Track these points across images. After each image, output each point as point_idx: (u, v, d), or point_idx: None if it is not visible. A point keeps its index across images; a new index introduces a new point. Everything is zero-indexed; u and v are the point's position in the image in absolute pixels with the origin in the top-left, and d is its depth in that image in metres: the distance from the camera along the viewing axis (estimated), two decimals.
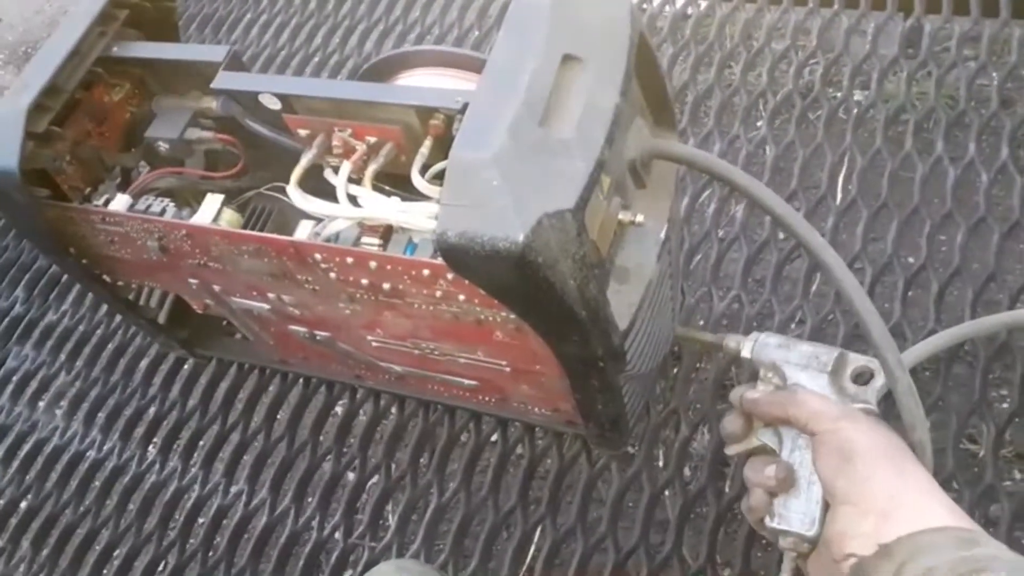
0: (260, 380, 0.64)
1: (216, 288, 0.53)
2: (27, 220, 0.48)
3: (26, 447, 0.66)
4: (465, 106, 0.40)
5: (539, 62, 0.37)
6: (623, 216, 0.41)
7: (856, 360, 0.44)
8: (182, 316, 0.61)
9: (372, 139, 0.43)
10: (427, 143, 0.43)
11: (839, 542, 0.38)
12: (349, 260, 0.43)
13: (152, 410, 0.65)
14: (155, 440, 0.64)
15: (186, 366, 0.67)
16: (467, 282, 0.39)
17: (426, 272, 0.41)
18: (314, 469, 0.60)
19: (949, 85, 0.67)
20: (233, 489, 0.60)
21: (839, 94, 0.69)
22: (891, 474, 0.38)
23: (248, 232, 0.45)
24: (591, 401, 0.46)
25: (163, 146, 0.49)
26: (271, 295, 0.51)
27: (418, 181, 0.41)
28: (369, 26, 0.81)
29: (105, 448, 0.64)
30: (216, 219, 0.47)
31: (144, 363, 0.67)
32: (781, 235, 0.62)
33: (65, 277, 0.74)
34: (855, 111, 0.67)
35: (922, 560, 0.34)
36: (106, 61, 0.48)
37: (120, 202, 0.48)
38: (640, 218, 0.41)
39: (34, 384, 0.69)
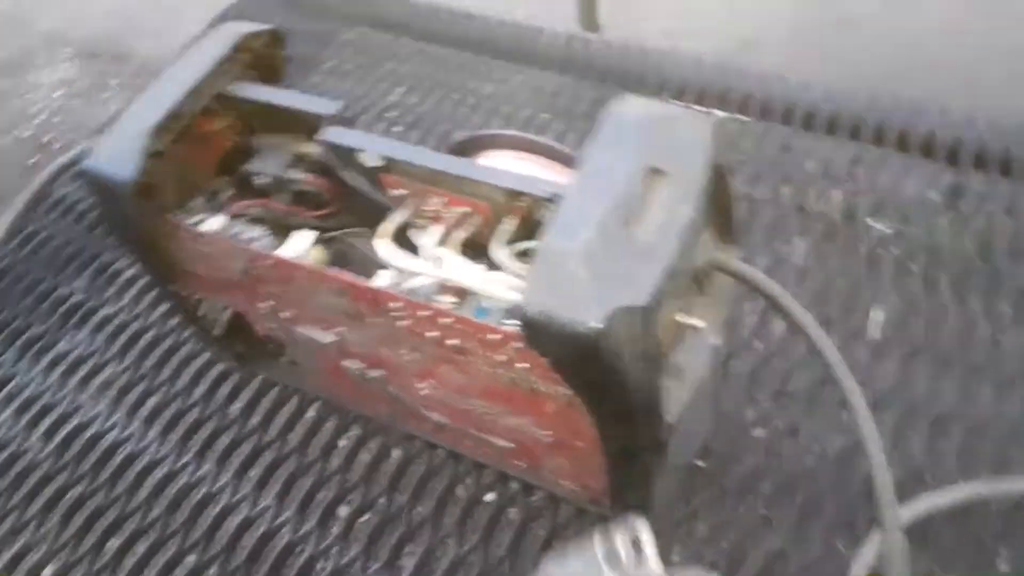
0: (300, 404, 0.68)
1: (285, 315, 0.56)
2: (128, 227, 0.52)
3: (68, 427, 0.69)
4: (554, 196, 0.44)
5: (628, 171, 0.42)
6: (683, 319, 0.45)
7: (616, 528, 0.39)
8: (237, 332, 0.65)
9: (462, 209, 0.47)
10: (510, 220, 0.47)
11: None
12: (425, 313, 0.47)
13: (194, 413, 0.68)
14: (192, 441, 0.67)
15: (231, 378, 0.70)
16: (534, 353, 0.42)
17: (497, 337, 0.44)
18: (340, 499, 0.63)
19: (987, 242, 0.71)
20: (260, 503, 0.63)
21: (883, 231, 0.73)
22: None
23: (333, 272, 0.48)
24: (623, 485, 0.49)
25: (262, 179, 0.53)
26: (337, 330, 0.54)
27: (500, 254, 0.45)
28: (460, 99, 0.87)
29: (143, 441, 0.67)
30: (304, 255, 0.51)
31: (192, 367, 0.71)
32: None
33: (125, 275, 0.78)
34: (896, 251, 0.71)
35: None
36: (222, 96, 0.52)
37: (214, 223, 0.52)
38: (698, 323, 0.45)
39: (83, 370, 0.72)
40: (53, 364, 0.73)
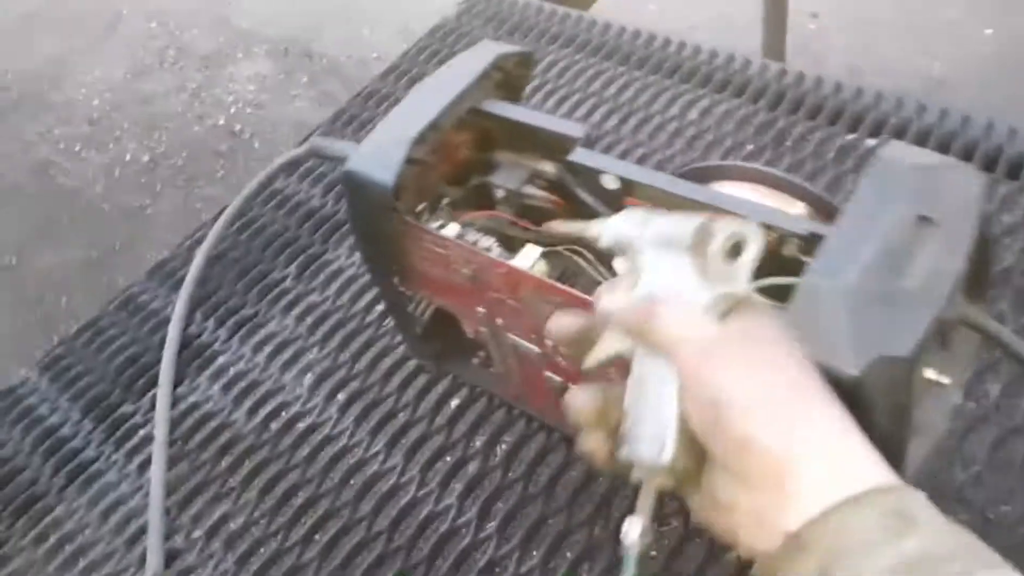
0: (487, 406, 0.69)
1: (499, 321, 0.58)
2: (375, 226, 0.55)
3: (270, 405, 0.74)
4: (811, 234, 0.43)
5: (897, 217, 0.41)
6: (930, 373, 0.43)
7: (723, 228, 0.34)
8: (436, 333, 0.68)
9: None
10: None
11: (725, 514, 0.31)
12: None
13: (387, 404, 0.71)
14: (382, 432, 0.70)
15: (421, 375, 0.73)
16: None
17: None
18: (523, 504, 0.64)
19: None
20: (444, 502, 0.65)
21: None
22: (780, 430, 0.30)
23: (561, 286, 0.50)
24: None
25: (500, 192, 0.55)
26: (549, 342, 0.55)
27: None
28: (696, 134, 0.87)
29: (339, 426, 0.71)
30: (532, 267, 0.53)
31: (387, 361, 0.74)
32: None
33: (331, 267, 0.83)
34: None
35: (851, 562, 0.27)
36: (476, 111, 0.55)
37: (451, 230, 0.55)
38: (944, 379, 0.43)
39: (288, 352, 0.77)
40: (261, 344, 0.78)
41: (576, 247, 0.56)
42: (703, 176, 0.56)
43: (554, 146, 0.52)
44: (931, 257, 0.40)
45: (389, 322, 0.77)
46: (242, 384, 0.75)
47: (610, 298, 0.36)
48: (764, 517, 0.30)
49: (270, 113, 2.22)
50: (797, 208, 0.53)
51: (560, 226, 0.46)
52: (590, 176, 0.51)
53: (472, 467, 0.67)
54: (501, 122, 0.54)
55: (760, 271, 0.46)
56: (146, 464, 0.71)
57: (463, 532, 0.63)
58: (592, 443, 0.35)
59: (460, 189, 0.59)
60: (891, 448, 0.41)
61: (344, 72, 2.25)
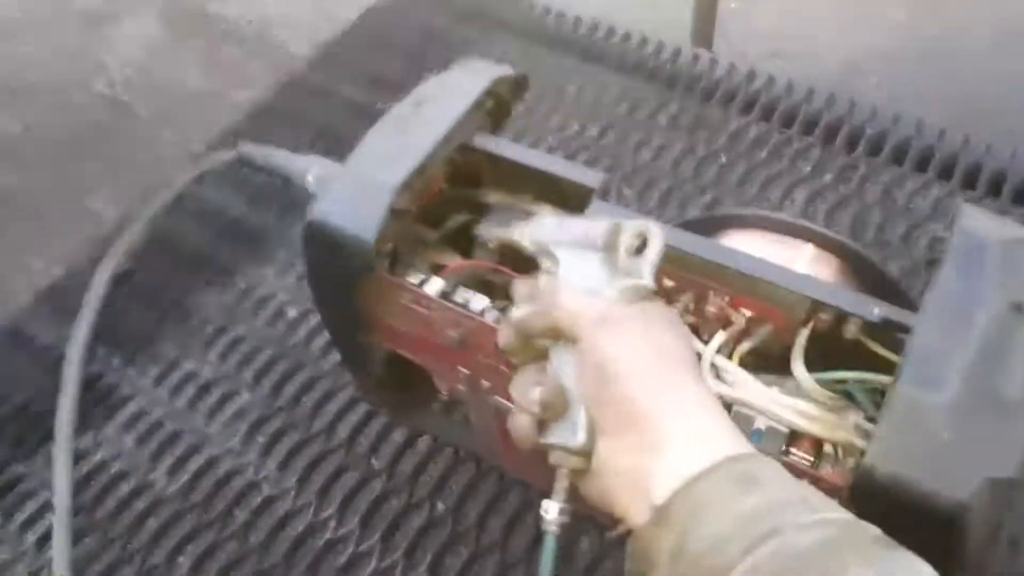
0: (453, 462, 0.62)
1: (485, 383, 0.50)
2: (345, 283, 0.46)
3: (197, 460, 0.63)
4: (884, 319, 0.37)
5: (990, 307, 0.35)
6: None
7: (630, 228, 0.37)
8: (395, 377, 0.59)
9: (748, 313, 0.41)
10: (804, 333, 0.40)
11: (607, 480, 0.34)
12: None
13: (336, 458, 0.62)
14: (332, 492, 0.61)
15: (375, 420, 0.64)
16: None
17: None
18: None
19: None
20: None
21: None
22: (655, 396, 0.33)
23: None
24: None
25: (492, 243, 0.47)
26: None
27: (804, 378, 0.39)
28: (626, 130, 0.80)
29: (281, 484, 0.61)
30: None
31: (332, 406, 0.65)
32: None
33: (262, 291, 0.72)
34: None
35: (704, 527, 0.30)
36: (465, 148, 0.46)
37: (435, 286, 0.46)
38: None
39: (213, 395, 0.66)
40: (180, 386, 0.67)
41: None
42: (710, 225, 0.50)
43: (561, 192, 0.44)
44: None
45: (333, 357, 0.67)
46: (160, 435, 0.64)
47: (519, 309, 0.38)
48: (637, 479, 0.32)
49: (159, 81, 2.00)
50: (805, 252, 0.48)
51: (494, 229, 0.45)
52: None
53: (443, 533, 0.59)
54: (496, 161, 0.46)
55: (816, 353, 0.41)
56: (46, 539, 0.59)
57: None
58: (519, 426, 0.37)
59: (436, 230, 0.51)
60: (977, 567, 0.36)
61: (243, 37, 2.05)
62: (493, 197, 0.48)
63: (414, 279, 0.46)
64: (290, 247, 0.75)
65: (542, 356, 0.37)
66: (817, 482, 0.38)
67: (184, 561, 0.58)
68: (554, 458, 0.36)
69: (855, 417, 0.39)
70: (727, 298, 0.41)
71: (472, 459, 0.61)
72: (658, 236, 0.36)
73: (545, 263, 0.38)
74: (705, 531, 0.30)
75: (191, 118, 1.84)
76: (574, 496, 0.36)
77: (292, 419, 0.65)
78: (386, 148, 0.43)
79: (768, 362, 0.41)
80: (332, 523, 0.59)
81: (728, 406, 0.41)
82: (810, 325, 0.40)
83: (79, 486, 0.62)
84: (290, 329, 0.70)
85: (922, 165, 0.76)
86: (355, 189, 0.42)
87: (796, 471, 0.38)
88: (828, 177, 0.76)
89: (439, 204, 0.50)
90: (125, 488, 0.62)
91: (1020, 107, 1.70)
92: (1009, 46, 1.81)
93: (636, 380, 0.33)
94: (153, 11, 2.10)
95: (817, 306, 0.39)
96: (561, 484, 0.36)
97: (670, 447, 0.32)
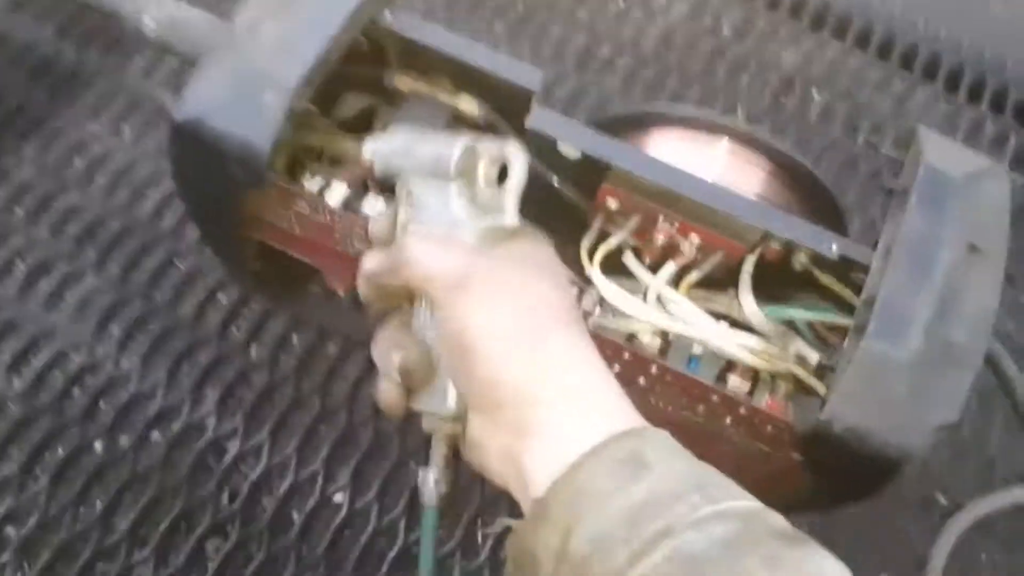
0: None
1: None
2: (226, 192, 0.38)
3: (42, 356, 0.55)
4: (843, 257, 0.36)
5: (952, 252, 0.34)
6: None
7: (486, 153, 0.31)
8: (278, 273, 0.52)
9: (696, 240, 0.38)
10: (750, 261, 0.38)
11: (482, 454, 0.30)
12: (626, 356, 0.38)
13: (211, 348, 0.56)
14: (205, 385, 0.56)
15: (248, 306, 0.57)
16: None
17: (769, 427, 0.37)
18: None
19: None
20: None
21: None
22: (521, 365, 0.28)
23: None
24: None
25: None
26: None
27: (753, 312, 0.37)
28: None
29: (146, 382, 0.55)
30: None
31: (199, 289, 0.57)
32: None
33: (97, 150, 0.60)
34: None
35: (586, 525, 0.26)
36: (374, 29, 0.37)
37: (336, 195, 0.39)
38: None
39: (52, 278, 0.57)
40: (6, 269, 0.57)
41: None
42: (625, 123, 0.45)
43: (491, 88, 0.38)
44: (977, 293, 0.35)
45: (190, 234, 0.59)
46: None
47: (370, 259, 0.32)
48: (511, 458, 0.29)
49: None
50: (718, 147, 0.44)
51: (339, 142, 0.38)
52: (541, 140, 0.38)
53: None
54: (412, 46, 0.38)
55: (763, 279, 0.38)
56: None
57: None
58: (384, 392, 0.32)
59: (329, 116, 0.43)
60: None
61: None
62: (402, 82, 0.40)
63: (312, 185, 0.39)
64: (123, 92, 0.63)
65: (407, 305, 0.32)
66: (756, 415, 0.37)
67: (41, 474, 0.52)
68: (426, 424, 0.32)
69: (796, 346, 0.38)
70: (676, 224, 0.37)
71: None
72: (520, 162, 0.31)
73: (400, 191, 0.32)
74: (588, 530, 0.25)
75: None
76: (453, 464, 0.32)
77: (150, 306, 0.57)
78: (274, 26, 0.34)
79: (714, 286, 0.39)
80: (211, 421, 0.54)
81: (664, 333, 0.39)
82: (757, 252, 0.38)
83: None
84: (136, 197, 0.60)
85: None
86: (239, 83, 0.34)
87: (733, 401, 0.37)
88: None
89: (331, 82, 0.42)
90: None
91: None
92: None
93: (499, 352, 0.29)
94: None
95: (768, 236, 0.37)
96: (438, 452, 0.32)
97: (544, 428, 0.28)
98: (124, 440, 0.53)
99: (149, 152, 0.61)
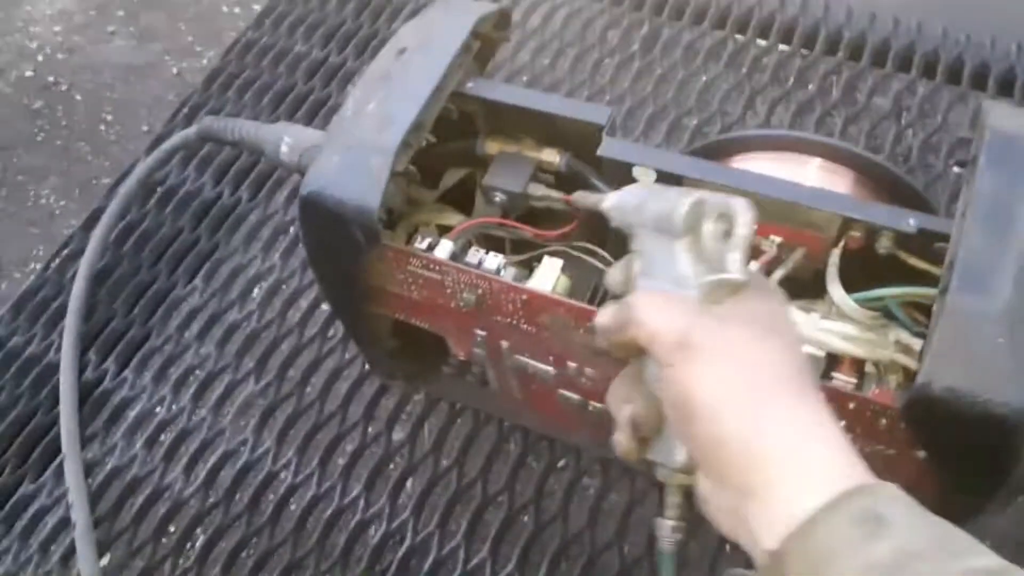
0: (474, 425, 0.60)
1: (504, 344, 0.49)
2: (348, 255, 0.43)
3: (211, 457, 0.61)
4: (921, 229, 0.36)
5: None
6: None
7: (712, 209, 0.31)
8: (404, 346, 0.57)
9: (778, 239, 0.40)
10: (836, 253, 0.39)
11: (710, 509, 0.30)
12: None
13: (354, 438, 0.61)
14: (355, 471, 0.60)
15: (387, 395, 0.62)
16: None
17: (883, 420, 0.37)
18: (542, 530, 0.56)
19: None
20: (450, 544, 0.56)
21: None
22: (746, 432, 0.28)
23: (592, 308, 0.41)
24: None
25: (499, 197, 0.45)
26: (572, 364, 0.47)
27: (843, 300, 0.38)
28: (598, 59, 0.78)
29: (301, 472, 0.60)
30: (555, 287, 0.43)
31: (343, 384, 0.63)
32: None
33: (250, 273, 0.69)
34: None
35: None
36: (457, 96, 0.43)
37: (445, 249, 0.44)
38: None
39: (218, 387, 0.64)
40: (181, 381, 0.65)
41: (589, 246, 0.47)
42: (720, 150, 0.48)
43: (566, 134, 0.42)
44: None
45: (335, 333, 0.65)
46: (169, 435, 0.62)
47: (602, 314, 0.33)
48: (739, 517, 0.29)
49: (86, 58, 1.91)
50: (812, 165, 0.46)
51: (581, 198, 0.39)
52: (617, 168, 0.41)
53: (475, 504, 0.58)
54: (493, 107, 0.43)
55: (851, 274, 0.39)
56: (70, 555, 0.57)
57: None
58: (618, 442, 0.33)
59: (433, 189, 0.48)
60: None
61: (166, 0, 1.94)
62: (491, 147, 0.46)
63: (422, 244, 0.44)
64: (269, 223, 0.72)
65: (638, 357, 0.33)
66: (864, 404, 0.37)
67: (217, 558, 0.57)
68: (659, 474, 0.33)
69: (896, 333, 0.38)
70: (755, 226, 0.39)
71: (495, 421, 0.60)
72: (746, 216, 0.30)
73: (633, 246, 0.33)
74: None
75: (133, 96, 1.76)
76: (687, 511, 0.32)
77: (303, 405, 0.63)
78: (374, 106, 0.40)
79: (802, 288, 0.40)
80: (360, 502, 0.58)
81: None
82: (841, 244, 0.39)
83: (94, 498, 0.60)
84: (285, 308, 0.67)
85: (905, 65, 0.74)
86: (349, 155, 0.40)
87: (840, 395, 0.37)
88: (811, 87, 0.74)
89: (431, 160, 0.48)
90: (142, 494, 0.60)
91: None
92: None
93: (720, 415, 0.28)
94: None
95: (848, 223, 0.38)
96: (672, 499, 0.33)
97: (769, 489, 0.28)
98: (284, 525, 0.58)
99: (295, 269, 0.69)
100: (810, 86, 0.74)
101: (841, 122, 0.71)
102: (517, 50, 0.79)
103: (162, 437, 0.63)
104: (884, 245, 0.38)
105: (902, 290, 0.37)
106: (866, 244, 0.38)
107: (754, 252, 0.40)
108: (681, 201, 0.31)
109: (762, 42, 0.78)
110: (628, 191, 0.34)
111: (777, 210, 0.39)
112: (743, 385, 0.29)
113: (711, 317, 0.30)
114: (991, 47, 0.74)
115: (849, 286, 0.39)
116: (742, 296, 0.31)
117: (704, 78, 0.76)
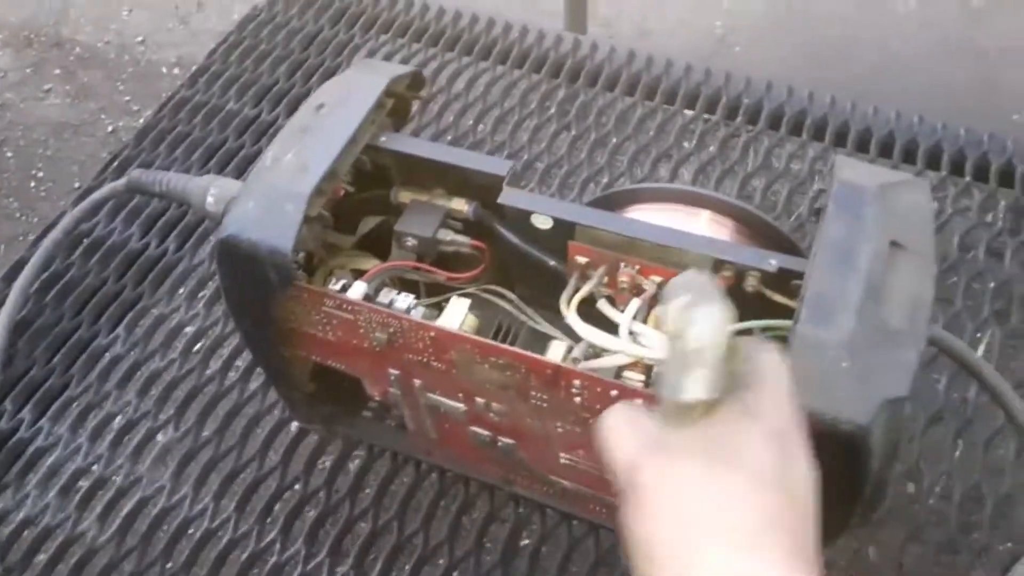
0: (392, 466, 0.62)
1: (416, 382, 0.51)
2: (263, 297, 0.46)
3: (126, 505, 0.61)
4: (781, 269, 0.41)
5: (873, 246, 0.39)
6: None
7: (670, 312, 0.28)
8: (323, 390, 0.59)
9: (657, 279, 0.43)
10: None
11: None
12: (613, 393, 0.43)
13: (271, 482, 0.62)
14: (272, 516, 0.61)
15: (307, 440, 0.64)
16: None
17: None
18: (453, 568, 0.58)
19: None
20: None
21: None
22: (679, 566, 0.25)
23: (507, 347, 0.44)
24: None
25: (410, 241, 0.48)
26: (480, 400, 0.50)
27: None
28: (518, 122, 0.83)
29: (218, 516, 0.61)
30: (462, 324, 0.46)
31: (260, 430, 0.64)
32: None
33: (172, 323, 0.70)
34: None
35: None
36: (371, 149, 0.47)
37: (358, 290, 0.47)
38: None
39: (137, 435, 0.65)
40: (99, 431, 0.65)
41: (497, 288, 0.51)
42: (614, 202, 0.52)
43: (472, 184, 0.46)
44: (906, 284, 0.39)
45: (256, 381, 0.67)
46: (85, 483, 0.62)
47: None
48: None
49: (19, 115, 1.91)
50: (702, 217, 0.51)
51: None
52: (518, 215, 0.45)
53: (391, 545, 0.59)
54: (405, 160, 0.47)
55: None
56: None
57: None
58: None
59: (349, 235, 0.51)
60: (879, 485, 0.40)
61: (104, 60, 1.96)
62: (405, 196, 0.49)
63: (336, 286, 0.46)
64: (194, 273, 0.74)
65: None
66: None
67: None
68: None
69: None
70: (637, 267, 0.43)
71: (412, 463, 0.62)
72: (701, 327, 0.26)
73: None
74: None
75: (66, 153, 1.76)
76: None
77: (221, 451, 0.64)
78: (291, 156, 0.44)
79: None
80: (277, 547, 0.59)
81: (649, 367, 0.43)
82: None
83: (2, 550, 0.59)
84: (206, 358, 0.69)
85: (796, 129, 0.81)
86: (264, 201, 0.43)
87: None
88: (712, 149, 0.80)
89: (348, 209, 0.51)
90: (53, 544, 0.60)
91: (877, 62, 1.81)
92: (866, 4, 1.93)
93: (656, 561, 0.26)
94: None
95: (719, 264, 0.42)
96: None
97: None
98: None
99: (219, 318, 0.70)
100: (711, 147, 0.80)
101: (741, 179, 0.77)
102: (442, 111, 0.84)
103: (77, 485, 0.63)
104: (751, 283, 0.42)
105: (765, 323, 0.41)
106: (736, 282, 0.42)
107: (636, 290, 0.44)
108: (677, 299, 0.27)
109: (669, 107, 0.84)
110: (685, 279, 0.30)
111: (657, 254, 0.43)
112: (677, 530, 0.26)
113: (661, 451, 0.28)
114: (851, 109, 0.81)
115: None
116: (712, 419, 0.28)
117: (614, 140, 0.81)
